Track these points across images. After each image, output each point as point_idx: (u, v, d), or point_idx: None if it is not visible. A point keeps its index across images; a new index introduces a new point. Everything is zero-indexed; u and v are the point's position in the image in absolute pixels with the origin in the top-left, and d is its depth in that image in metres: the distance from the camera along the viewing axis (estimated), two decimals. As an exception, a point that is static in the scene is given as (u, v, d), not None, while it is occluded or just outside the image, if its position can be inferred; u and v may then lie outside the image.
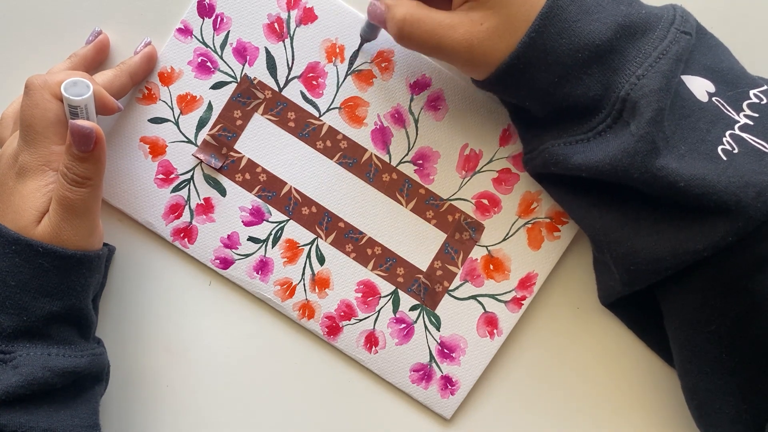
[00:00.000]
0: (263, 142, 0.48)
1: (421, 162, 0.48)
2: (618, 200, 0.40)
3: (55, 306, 0.41)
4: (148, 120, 0.48)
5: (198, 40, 0.47)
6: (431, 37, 0.40)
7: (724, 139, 0.38)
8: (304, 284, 0.48)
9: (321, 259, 0.48)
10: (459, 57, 0.40)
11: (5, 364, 0.40)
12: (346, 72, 0.47)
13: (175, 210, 0.48)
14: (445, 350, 0.48)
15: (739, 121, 0.39)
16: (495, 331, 0.48)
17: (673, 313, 0.42)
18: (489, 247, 0.48)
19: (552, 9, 0.38)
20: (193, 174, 0.48)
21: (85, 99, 0.41)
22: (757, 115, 0.39)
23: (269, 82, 0.47)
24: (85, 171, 0.41)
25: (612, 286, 0.43)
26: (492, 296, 0.48)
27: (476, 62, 0.40)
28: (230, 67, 0.47)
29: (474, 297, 0.48)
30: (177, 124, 0.48)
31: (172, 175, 0.48)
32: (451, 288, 0.48)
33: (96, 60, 0.47)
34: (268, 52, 0.47)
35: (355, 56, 0.47)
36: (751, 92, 0.40)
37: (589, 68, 0.39)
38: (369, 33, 0.46)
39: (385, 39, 0.46)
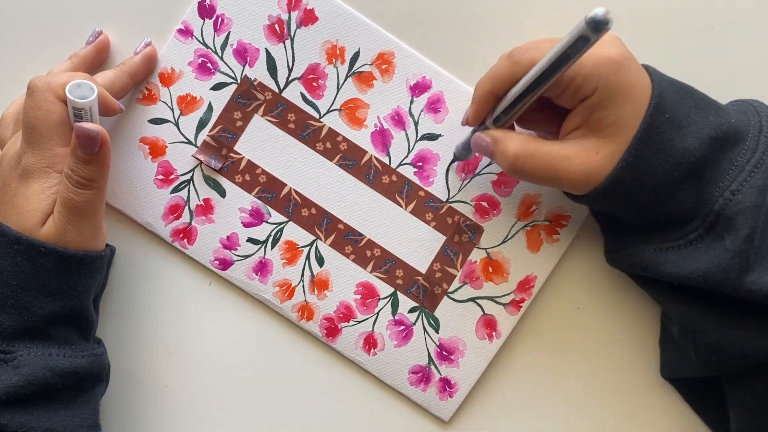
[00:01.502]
0: (263, 143, 0.48)
1: (420, 164, 0.48)
2: (706, 292, 0.40)
3: (57, 306, 0.41)
4: (148, 120, 0.48)
5: (198, 41, 0.47)
6: (546, 170, 0.40)
7: None
8: (303, 286, 0.48)
9: (320, 261, 0.48)
10: (577, 187, 0.40)
11: (6, 363, 0.40)
12: (347, 74, 0.47)
13: (174, 211, 0.48)
14: (444, 352, 0.48)
15: None
16: (494, 333, 0.48)
17: (738, 395, 0.41)
18: (488, 250, 0.48)
19: (648, 131, 0.38)
20: (192, 175, 0.48)
21: (89, 101, 0.41)
22: None
23: (269, 83, 0.47)
24: (90, 173, 0.41)
25: (683, 368, 0.43)
26: (491, 299, 0.48)
27: (588, 188, 0.40)
28: (230, 68, 0.47)
29: (473, 299, 0.48)
30: (177, 124, 0.48)
31: (172, 176, 0.48)
32: (450, 290, 0.48)
33: (96, 60, 0.47)
34: (268, 53, 0.47)
35: (446, 170, 0.47)
36: None
37: (683, 183, 0.39)
38: (463, 155, 0.46)
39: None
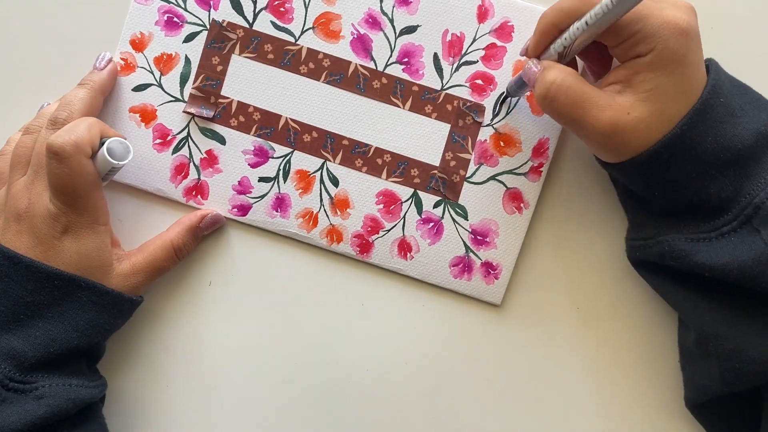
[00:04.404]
0: (248, 81, 0.47)
1: (406, 60, 0.47)
2: (729, 293, 0.39)
3: (83, 342, 0.42)
4: (132, 89, 0.47)
5: (158, -1, 0.47)
6: (575, 108, 0.39)
7: None
8: (324, 210, 0.48)
9: (335, 181, 0.48)
10: (595, 138, 0.39)
11: (25, 394, 0.40)
12: (310, -10, 0.47)
13: (180, 170, 0.48)
14: (479, 237, 0.47)
15: None
16: (521, 204, 0.47)
17: None
18: (494, 125, 0.47)
19: (705, 107, 0.38)
20: (188, 130, 0.48)
21: (127, 162, 0.43)
22: None
23: (238, 20, 0.47)
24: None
25: (708, 385, 0.41)
26: (510, 172, 0.47)
27: (610, 147, 0.39)
28: (197, 17, 0.47)
29: (493, 177, 0.47)
30: (160, 85, 0.47)
31: (169, 137, 0.48)
32: (468, 175, 0.47)
33: (110, 87, 0.46)
34: (229, -8, 0.47)
35: (497, 108, 0.47)
36: None
37: (726, 170, 0.39)
38: (516, 91, 0.45)
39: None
